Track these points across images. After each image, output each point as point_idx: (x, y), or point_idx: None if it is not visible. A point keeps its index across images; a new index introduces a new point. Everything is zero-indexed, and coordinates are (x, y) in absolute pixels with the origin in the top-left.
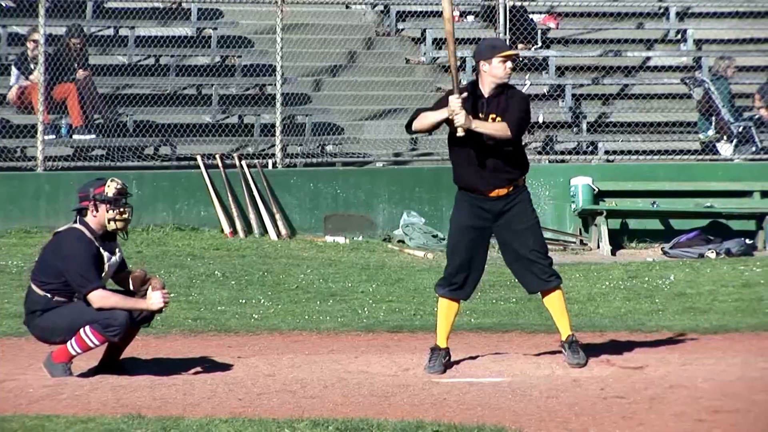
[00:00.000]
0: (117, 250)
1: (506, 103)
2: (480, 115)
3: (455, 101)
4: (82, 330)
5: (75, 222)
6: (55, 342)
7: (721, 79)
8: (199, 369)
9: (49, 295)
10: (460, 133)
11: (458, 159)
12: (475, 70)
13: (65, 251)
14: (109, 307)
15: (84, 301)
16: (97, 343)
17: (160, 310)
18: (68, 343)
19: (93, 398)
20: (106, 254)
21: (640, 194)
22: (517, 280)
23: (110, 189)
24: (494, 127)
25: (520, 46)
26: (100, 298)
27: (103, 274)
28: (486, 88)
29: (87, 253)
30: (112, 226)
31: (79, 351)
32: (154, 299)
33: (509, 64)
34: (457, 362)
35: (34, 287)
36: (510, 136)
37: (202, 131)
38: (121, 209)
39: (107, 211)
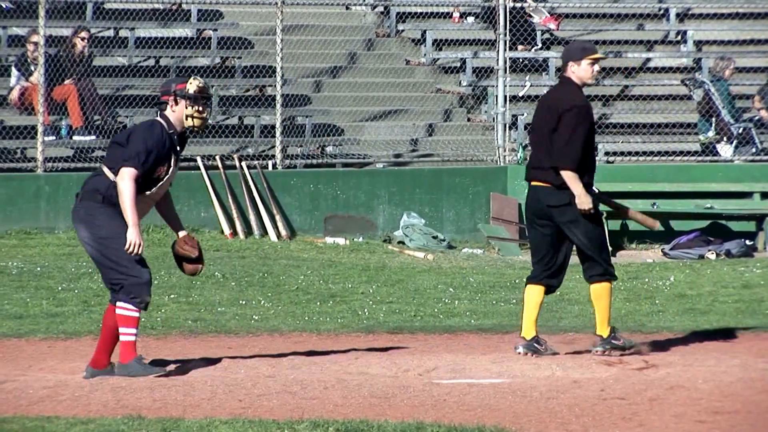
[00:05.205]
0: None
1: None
2: None
3: None
4: (117, 308)
5: (156, 116)
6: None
7: (721, 80)
8: (199, 370)
9: (112, 177)
10: None
11: None
12: (561, 70)
13: (137, 131)
14: (120, 193)
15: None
16: (136, 312)
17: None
18: (120, 337)
19: (93, 399)
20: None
21: (640, 195)
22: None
23: (192, 86)
24: None
25: (520, 47)
26: (129, 177)
27: (170, 171)
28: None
29: (157, 140)
30: (189, 123)
31: (133, 331)
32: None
33: (596, 66)
34: (458, 363)
35: (104, 169)
36: None
37: (202, 132)
38: (200, 108)
39: (186, 107)
